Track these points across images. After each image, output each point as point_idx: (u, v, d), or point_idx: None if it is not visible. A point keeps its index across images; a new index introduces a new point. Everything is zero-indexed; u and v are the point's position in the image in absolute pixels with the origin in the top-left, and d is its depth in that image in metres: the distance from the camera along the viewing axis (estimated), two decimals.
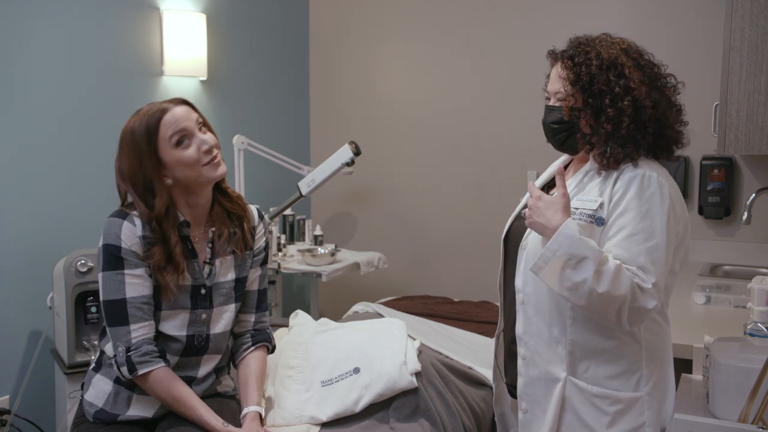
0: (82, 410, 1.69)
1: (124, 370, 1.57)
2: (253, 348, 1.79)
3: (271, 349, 1.86)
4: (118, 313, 1.57)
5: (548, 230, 1.37)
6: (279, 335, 2.16)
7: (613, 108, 1.41)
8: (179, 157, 1.58)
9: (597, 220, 1.41)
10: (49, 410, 2.52)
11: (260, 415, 1.67)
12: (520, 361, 1.54)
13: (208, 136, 1.63)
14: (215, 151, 1.62)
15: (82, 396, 1.71)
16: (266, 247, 1.82)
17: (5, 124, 2.37)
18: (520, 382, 1.55)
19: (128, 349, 1.56)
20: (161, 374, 1.58)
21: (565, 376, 1.47)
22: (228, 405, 1.75)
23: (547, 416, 1.49)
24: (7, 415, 2.37)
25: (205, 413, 1.58)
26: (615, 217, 1.39)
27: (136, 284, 1.58)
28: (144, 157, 1.57)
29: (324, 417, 1.82)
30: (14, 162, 2.40)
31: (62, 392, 2.36)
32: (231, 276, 1.72)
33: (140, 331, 1.58)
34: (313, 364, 1.95)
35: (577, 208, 1.44)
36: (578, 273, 1.32)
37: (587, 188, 1.47)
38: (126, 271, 1.57)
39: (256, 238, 1.78)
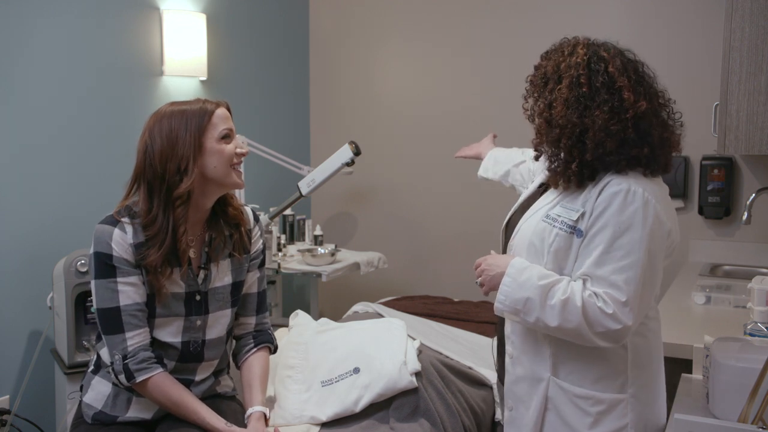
0: (81, 412, 1.69)
1: (122, 378, 1.56)
2: (255, 349, 1.79)
3: (273, 350, 1.86)
4: (113, 321, 1.56)
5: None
6: (279, 335, 2.15)
7: (539, 118, 1.46)
8: (221, 149, 1.61)
9: (577, 232, 1.40)
10: (49, 410, 2.52)
11: (265, 415, 1.67)
12: (507, 360, 1.55)
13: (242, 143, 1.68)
14: (242, 159, 1.67)
15: (81, 398, 1.71)
16: (263, 250, 1.82)
17: (5, 123, 2.37)
18: (507, 380, 1.56)
19: (125, 357, 1.56)
20: (159, 380, 1.58)
21: (549, 376, 1.47)
22: (228, 405, 1.74)
23: (530, 415, 1.49)
24: (7, 415, 2.37)
25: (207, 415, 1.58)
26: (594, 232, 1.37)
27: (129, 292, 1.57)
28: (190, 136, 1.58)
29: (324, 417, 1.82)
30: (14, 162, 2.40)
31: (62, 392, 2.36)
32: (228, 280, 1.72)
33: (136, 338, 1.57)
34: (313, 364, 1.96)
35: (558, 215, 1.43)
36: (529, 314, 1.39)
37: (574, 193, 1.44)
38: (119, 279, 1.56)
39: (252, 241, 1.78)
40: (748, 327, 1.56)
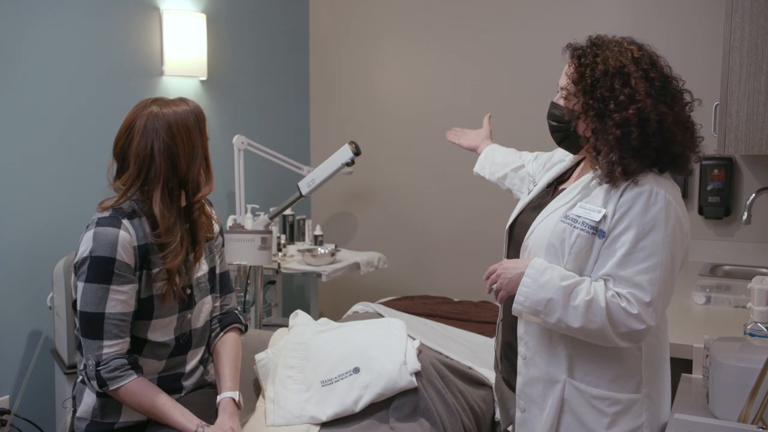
0: (73, 427, 1.64)
1: (94, 384, 1.54)
2: (222, 333, 1.79)
3: (244, 330, 1.85)
4: (94, 326, 1.53)
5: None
6: (279, 335, 2.16)
7: (619, 114, 1.36)
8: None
9: (599, 233, 1.39)
10: (49, 410, 2.52)
11: (234, 400, 1.67)
12: (520, 361, 1.54)
13: None
14: None
15: (74, 411, 1.65)
16: (221, 231, 1.83)
17: (5, 124, 2.37)
18: (519, 381, 1.55)
19: (98, 364, 1.53)
20: (131, 388, 1.54)
21: (565, 378, 1.46)
22: (216, 393, 1.74)
23: (545, 417, 1.48)
24: (7, 415, 2.37)
25: (180, 418, 1.56)
26: (617, 232, 1.36)
27: (119, 300, 1.53)
28: (203, 138, 1.63)
29: (324, 417, 1.82)
30: (14, 162, 2.40)
31: (62, 392, 2.36)
32: (205, 268, 1.74)
33: (113, 348, 1.54)
34: (313, 364, 1.95)
35: (579, 216, 1.41)
36: (550, 315, 1.38)
37: (593, 194, 1.43)
38: (112, 287, 1.52)
39: (214, 221, 1.80)
40: (748, 327, 1.56)
